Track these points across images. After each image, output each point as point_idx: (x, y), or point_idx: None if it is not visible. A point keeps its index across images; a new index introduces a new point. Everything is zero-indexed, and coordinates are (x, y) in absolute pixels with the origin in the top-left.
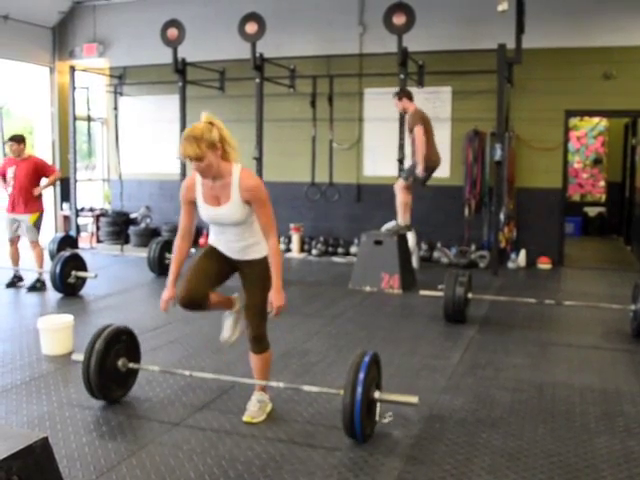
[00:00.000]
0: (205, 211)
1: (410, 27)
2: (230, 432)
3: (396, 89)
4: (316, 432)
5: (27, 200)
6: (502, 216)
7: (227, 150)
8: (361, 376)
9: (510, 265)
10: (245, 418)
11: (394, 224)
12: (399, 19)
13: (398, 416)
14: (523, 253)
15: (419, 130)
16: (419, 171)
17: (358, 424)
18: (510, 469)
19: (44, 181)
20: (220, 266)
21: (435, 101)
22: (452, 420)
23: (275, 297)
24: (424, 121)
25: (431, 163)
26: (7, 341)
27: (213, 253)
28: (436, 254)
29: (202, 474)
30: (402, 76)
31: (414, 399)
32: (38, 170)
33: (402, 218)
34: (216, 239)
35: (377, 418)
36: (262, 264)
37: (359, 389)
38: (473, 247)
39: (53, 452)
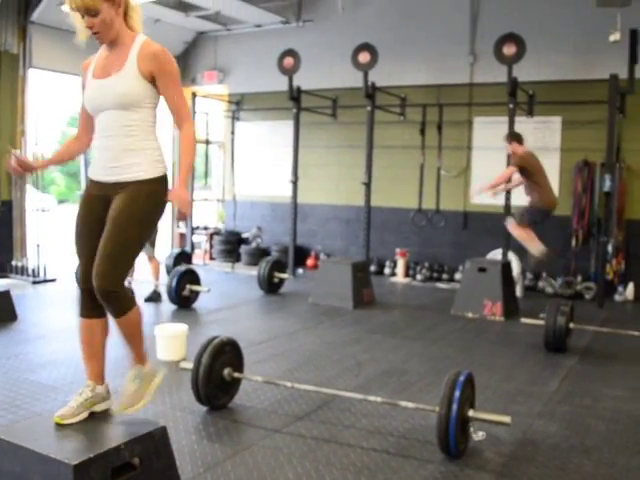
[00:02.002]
0: (89, 90)
1: (520, 57)
2: (328, 440)
3: (505, 117)
4: (410, 446)
5: None
6: (610, 248)
7: (131, 15)
8: (457, 394)
9: (617, 298)
10: (118, 408)
11: (533, 257)
12: (509, 49)
13: (491, 436)
14: (631, 286)
15: (509, 169)
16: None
17: (452, 439)
18: None
19: None
20: (99, 221)
21: (545, 131)
22: (545, 444)
23: (175, 193)
24: (526, 163)
25: (550, 204)
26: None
27: (86, 206)
28: (541, 284)
29: (300, 476)
30: (511, 106)
31: (507, 419)
32: None
33: (533, 248)
34: (94, 151)
35: (470, 436)
36: (140, 190)
37: (454, 406)
38: (579, 278)
39: (170, 441)
